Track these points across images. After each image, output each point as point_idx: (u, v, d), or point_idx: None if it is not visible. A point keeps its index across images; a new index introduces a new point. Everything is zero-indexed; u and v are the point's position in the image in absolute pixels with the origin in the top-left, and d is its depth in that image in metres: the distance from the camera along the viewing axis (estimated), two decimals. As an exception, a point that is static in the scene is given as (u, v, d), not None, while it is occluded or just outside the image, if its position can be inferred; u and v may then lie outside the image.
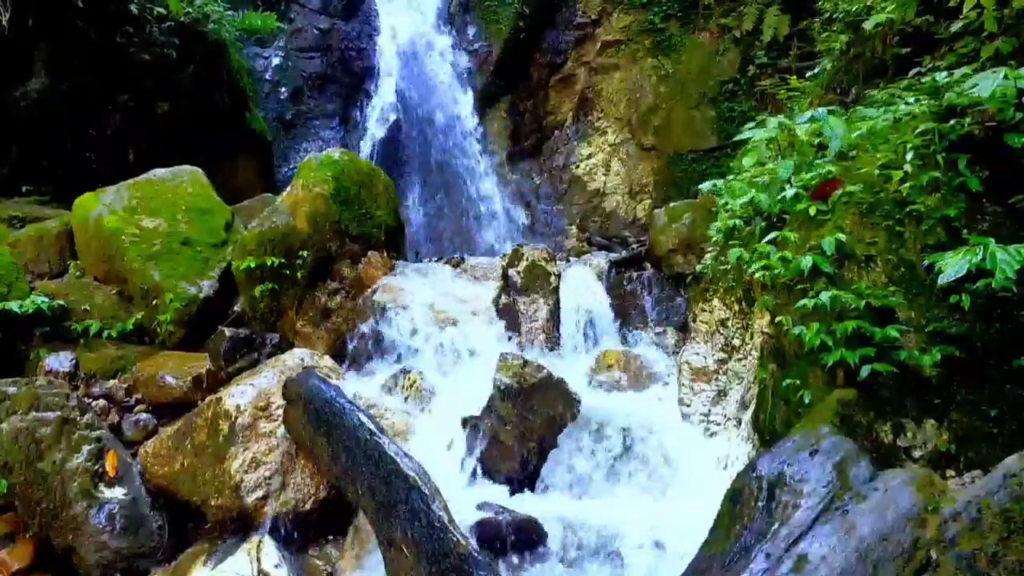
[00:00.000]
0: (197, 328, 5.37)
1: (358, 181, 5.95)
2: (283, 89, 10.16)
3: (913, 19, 4.40)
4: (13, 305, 4.89)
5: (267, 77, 10.10)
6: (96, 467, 4.07)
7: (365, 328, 5.55)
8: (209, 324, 5.40)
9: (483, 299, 5.81)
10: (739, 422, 4.29)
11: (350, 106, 10.39)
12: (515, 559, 3.79)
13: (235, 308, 5.64)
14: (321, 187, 5.68)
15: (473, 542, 3.43)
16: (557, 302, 5.77)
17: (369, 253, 5.86)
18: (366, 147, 9.86)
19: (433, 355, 5.43)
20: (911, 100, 3.64)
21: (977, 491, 2.38)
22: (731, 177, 4.77)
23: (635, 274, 6.36)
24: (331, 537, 4.16)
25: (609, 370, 5.42)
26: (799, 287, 3.48)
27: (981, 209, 3.13)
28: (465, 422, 4.52)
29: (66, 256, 5.90)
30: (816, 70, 5.84)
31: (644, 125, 9.44)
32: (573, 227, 9.73)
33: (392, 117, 9.99)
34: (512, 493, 4.28)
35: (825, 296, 3.18)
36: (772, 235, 3.76)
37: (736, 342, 4.60)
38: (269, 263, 5.36)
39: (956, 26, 3.94)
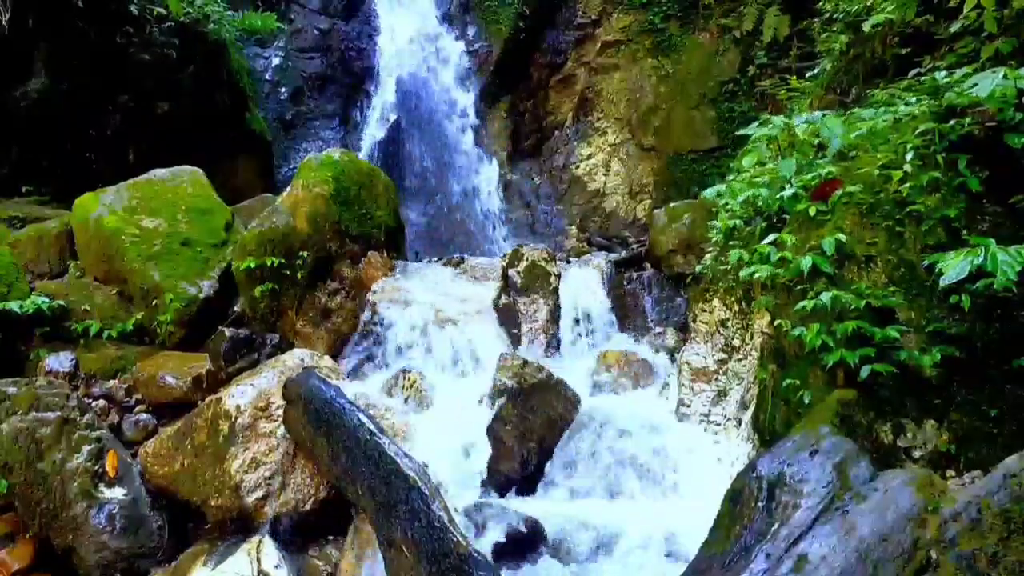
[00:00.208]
0: (197, 328, 5.37)
1: (358, 181, 5.95)
2: (283, 89, 10.17)
3: (913, 19, 4.40)
4: (13, 305, 4.89)
5: (267, 77, 10.11)
6: (96, 467, 4.07)
7: (365, 328, 5.55)
8: (209, 324, 5.40)
9: (483, 299, 5.81)
10: (739, 422, 4.30)
11: (350, 106, 10.40)
12: (515, 560, 3.79)
13: (235, 308, 5.64)
14: (321, 187, 5.68)
15: (473, 542, 3.43)
16: (557, 302, 5.77)
17: (369, 253, 5.86)
18: (366, 147, 9.87)
19: (433, 355, 5.43)
20: (911, 100, 3.64)
21: (977, 491, 2.38)
22: (731, 178, 4.77)
23: (635, 274, 6.37)
24: (331, 537, 4.16)
25: (609, 370, 5.42)
26: (799, 288, 3.48)
27: (981, 209, 3.13)
28: (465, 422, 4.52)
29: (66, 256, 5.90)
30: (816, 70, 5.84)
31: (644, 125, 9.44)
32: (573, 227, 9.73)
33: (392, 117, 9.99)
34: (512, 493, 4.28)
35: (825, 296, 3.18)
36: (772, 236, 3.76)
37: (736, 342, 4.60)
38: (269, 263, 5.36)
39: (956, 26, 3.94)
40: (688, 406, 4.73)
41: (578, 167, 9.91)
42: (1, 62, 6.47)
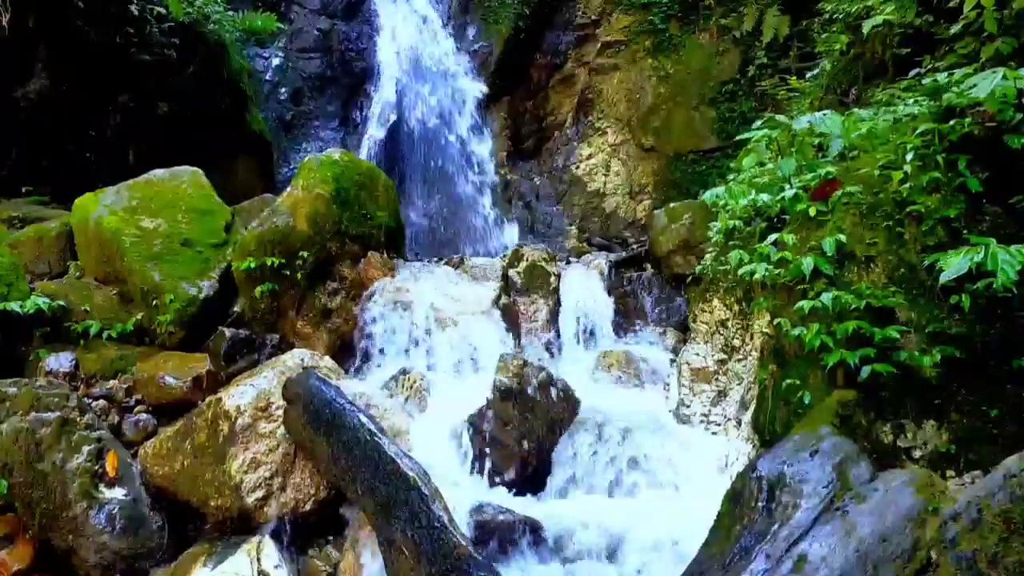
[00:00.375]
0: (197, 329, 5.37)
1: (358, 182, 5.95)
2: (283, 90, 10.16)
3: (913, 20, 4.40)
4: (14, 305, 4.89)
5: (267, 78, 10.10)
6: (96, 468, 4.07)
7: (365, 328, 5.55)
8: (209, 325, 5.40)
9: (483, 299, 5.81)
10: (739, 423, 4.30)
11: (350, 107, 10.39)
12: (515, 560, 3.79)
13: (235, 309, 5.63)
14: (321, 188, 5.68)
15: (473, 543, 3.43)
16: (557, 302, 5.77)
17: (369, 254, 5.86)
18: (366, 148, 9.85)
19: (433, 355, 5.43)
20: (911, 101, 3.64)
21: (977, 492, 2.38)
22: (731, 178, 4.77)
23: (635, 275, 6.37)
24: (331, 537, 4.16)
25: (609, 370, 5.42)
26: (799, 288, 3.48)
27: (981, 210, 3.13)
28: (465, 422, 4.52)
29: (66, 257, 5.89)
30: (816, 71, 5.84)
31: (644, 126, 9.45)
32: (573, 227, 9.73)
33: (392, 118, 9.98)
34: (512, 494, 4.28)
35: (825, 297, 3.18)
36: (772, 236, 3.76)
37: (736, 343, 4.60)
38: (269, 264, 5.36)
39: (956, 27, 3.94)
40: (688, 406, 4.73)
41: (578, 167, 9.91)
42: (1, 62, 6.47)
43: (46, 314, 5.03)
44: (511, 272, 5.80)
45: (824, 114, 3.72)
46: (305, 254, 5.48)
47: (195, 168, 6.19)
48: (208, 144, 7.67)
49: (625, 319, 6.04)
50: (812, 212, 3.58)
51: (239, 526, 4.10)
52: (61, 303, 5.18)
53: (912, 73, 4.19)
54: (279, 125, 9.99)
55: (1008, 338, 2.92)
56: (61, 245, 5.90)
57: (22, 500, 3.99)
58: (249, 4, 10.01)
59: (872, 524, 2.56)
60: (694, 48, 9.17)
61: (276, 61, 10.17)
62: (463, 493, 4.13)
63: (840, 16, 5.29)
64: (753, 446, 3.92)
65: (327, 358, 5.01)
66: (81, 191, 5.89)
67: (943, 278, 2.85)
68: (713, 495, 3.29)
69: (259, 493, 4.10)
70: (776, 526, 2.77)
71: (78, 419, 4.21)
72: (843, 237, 3.34)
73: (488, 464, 4.36)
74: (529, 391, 4.50)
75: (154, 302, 5.35)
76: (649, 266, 6.50)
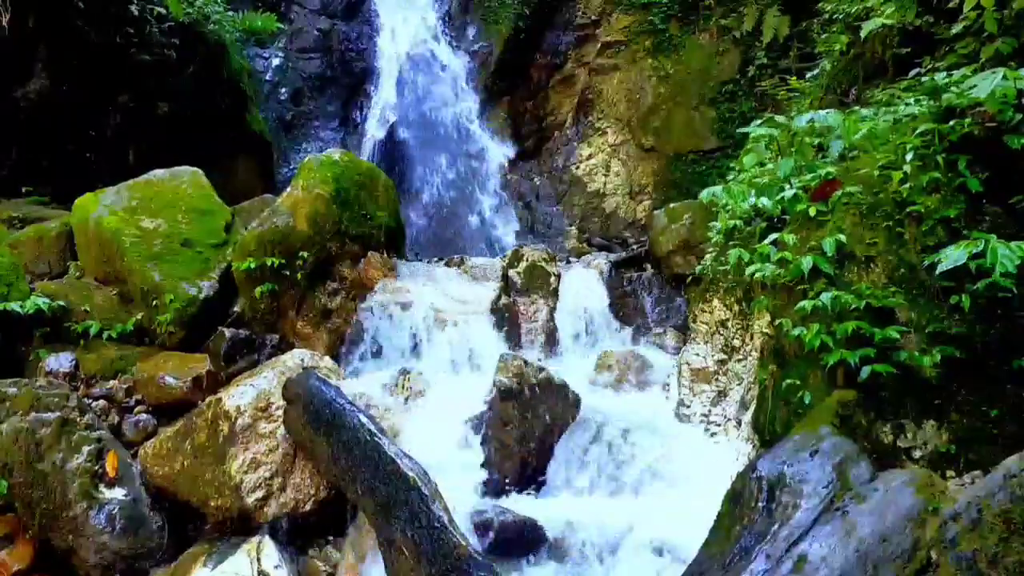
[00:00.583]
0: (197, 329, 5.37)
1: (358, 182, 5.95)
2: (283, 90, 10.16)
3: (913, 20, 4.40)
4: (14, 306, 4.89)
5: (267, 78, 10.11)
6: (96, 468, 4.07)
7: (365, 329, 5.55)
8: (209, 325, 5.40)
9: (483, 300, 5.81)
10: (739, 423, 4.30)
11: (350, 107, 10.40)
12: (515, 560, 3.79)
13: (235, 309, 5.63)
14: (321, 188, 5.68)
15: (473, 543, 3.43)
16: (557, 303, 5.77)
17: (369, 254, 5.86)
18: (366, 148, 9.86)
19: (433, 355, 5.43)
20: (911, 101, 3.64)
21: (977, 492, 2.38)
22: (731, 178, 4.77)
23: (635, 275, 6.37)
24: (331, 537, 4.17)
25: (609, 371, 5.41)
26: (799, 288, 3.48)
27: (981, 210, 3.13)
28: (465, 422, 4.52)
29: (66, 257, 5.90)
30: (816, 71, 5.84)
31: (644, 126, 9.45)
32: (573, 228, 9.73)
33: (392, 118, 9.99)
34: (512, 494, 4.28)
35: (825, 297, 3.18)
36: (772, 236, 3.76)
37: (736, 343, 4.59)
38: (269, 264, 5.36)
39: (956, 27, 3.94)
40: (688, 406, 4.73)
41: (578, 168, 9.92)
42: (1, 63, 6.47)
43: (46, 314, 5.04)
44: (511, 272, 5.80)
45: (827, 112, 3.72)
46: (305, 254, 5.48)
47: (195, 168, 6.19)
48: (208, 144, 7.67)
49: (625, 319, 6.04)
50: (812, 212, 3.58)
51: (239, 526, 4.10)
52: (61, 303, 5.18)
53: (912, 73, 4.18)
54: (279, 125, 10.00)
55: (1008, 338, 2.92)
56: (61, 245, 5.90)
57: (22, 500, 3.99)
58: (249, 4, 10.01)
59: (872, 524, 2.56)
60: (694, 48, 9.18)
61: (276, 61, 10.18)
62: (463, 493, 4.13)
63: (840, 16, 5.30)
64: (753, 446, 3.91)
65: (327, 358, 5.01)
66: (81, 191, 5.89)
67: (940, 268, 2.86)
68: (713, 495, 3.29)
69: (259, 493, 4.10)
70: (776, 526, 2.77)
71: (78, 419, 4.21)
72: (843, 237, 3.34)
73: (488, 464, 4.36)
74: (529, 391, 4.50)
75: (154, 302, 5.36)
76: (649, 266, 6.50)
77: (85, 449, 4.09)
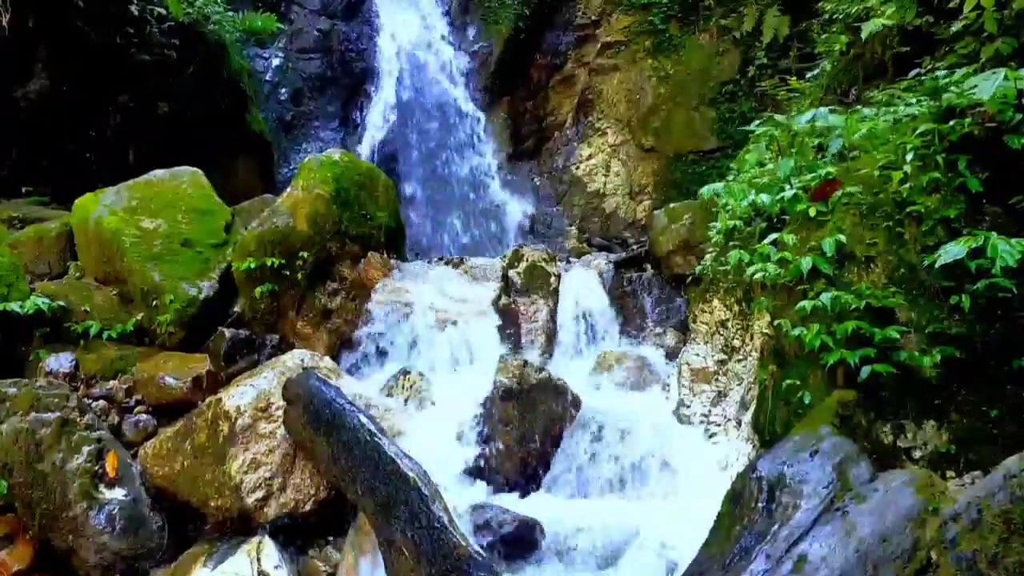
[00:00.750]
0: (197, 329, 5.37)
1: (358, 182, 5.95)
2: (283, 90, 10.16)
3: (913, 20, 4.40)
4: (14, 306, 4.89)
5: (267, 78, 10.10)
6: (96, 468, 4.07)
7: (365, 329, 5.55)
8: (209, 325, 5.40)
9: (483, 300, 5.81)
10: (739, 423, 4.29)
11: (350, 107, 10.39)
12: (515, 560, 3.79)
13: (235, 309, 5.63)
14: (321, 188, 5.68)
15: (473, 543, 3.43)
16: (557, 303, 5.76)
17: (369, 254, 5.86)
18: (366, 148, 9.86)
19: (433, 356, 5.43)
20: (911, 101, 3.64)
21: (977, 492, 2.37)
22: (731, 178, 4.77)
23: (635, 275, 6.36)
24: (331, 537, 4.16)
25: (609, 371, 5.41)
26: (799, 288, 3.48)
27: (981, 210, 3.12)
28: (465, 422, 4.52)
29: (66, 257, 5.89)
30: (816, 71, 5.84)
31: (644, 126, 9.45)
32: (573, 228, 9.73)
33: (392, 118, 9.99)
34: (512, 494, 4.28)
35: (825, 297, 3.18)
36: (772, 236, 3.76)
37: (736, 343, 4.59)
38: (269, 264, 5.36)
39: (956, 27, 3.94)
40: (688, 407, 4.73)
41: (578, 168, 9.91)
42: (1, 63, 6.47)
43: (46, 314, 5.04)
44: (511, 272, 5.80)
45: (826, 111, 3.72)
46: (305, 254, 5.48)
47: (195, 168, 6.19)
48: (208, 144, 7.67)
49: (625, 319, 6.04)
50: (812, 212, 3.58)
51: (239, 526, 4.10)
52: (61, 303, 5.18)
53: (912, 73, 4.18)
54: (279, 125, 9.99)
55: (1008, 338, 2.92)
56: (61, 245, 5.90)
57: (22, 500, 3.99)
58: (249, 4, 10.00)
59: (872, 524, 2.56)
60: (694, 48, 9.18)
61: (276, 61, 10.17)
62: (463, 493, 4.14)
63: (840, 17, 5.29)
64: (753, 446, 3.91)
65: (327, 358, 5.01)
66: (81, 191, 5.89)
67: (939, 262, 2.86)
68: (713, 495, 3.29)
69: (259, 493, 4.10)
70: (776, 526, 2.77)
71: (78, 419, 4.21)
72: (843, 237, 3.33)
73: (488, 464, 4.36)
74: (529, 391, 4.50)
75: (154, 302, 5.36)
76: (649, 266, 6.49)
77: (85, 449, 4.09)
